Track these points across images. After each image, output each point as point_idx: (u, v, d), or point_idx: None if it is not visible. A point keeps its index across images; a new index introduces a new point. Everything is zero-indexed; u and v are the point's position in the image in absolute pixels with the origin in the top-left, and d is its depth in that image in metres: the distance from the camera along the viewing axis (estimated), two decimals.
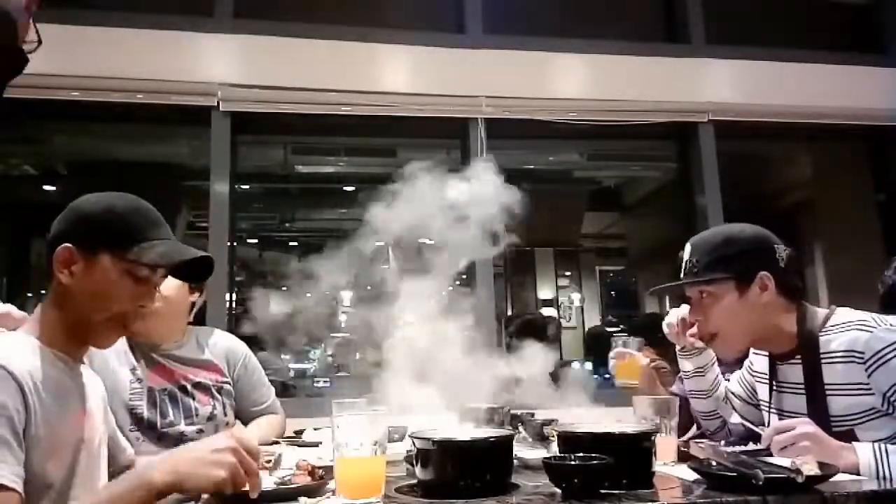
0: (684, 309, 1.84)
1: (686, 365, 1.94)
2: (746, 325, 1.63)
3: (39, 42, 0.97)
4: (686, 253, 1.70)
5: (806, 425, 1.43)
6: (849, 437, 1.47)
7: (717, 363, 1.93)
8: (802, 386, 1.61)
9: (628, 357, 2.33)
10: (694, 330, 1.79)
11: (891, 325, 1.53)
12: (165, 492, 1.08)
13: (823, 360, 1.56)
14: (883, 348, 1.48)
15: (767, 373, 1.75)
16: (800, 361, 1.62)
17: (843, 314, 1.61)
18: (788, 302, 1.64)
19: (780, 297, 1.62)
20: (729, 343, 1.70)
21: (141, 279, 1.31)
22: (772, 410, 1.73)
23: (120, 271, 1.28)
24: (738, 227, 1.68)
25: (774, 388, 1.72)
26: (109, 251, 1.28)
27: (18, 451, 1.10)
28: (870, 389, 1.49)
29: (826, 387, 1.55)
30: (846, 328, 1.56)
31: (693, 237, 1.72)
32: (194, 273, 1.38)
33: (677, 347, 1.96)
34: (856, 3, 4.97)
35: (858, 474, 1.34)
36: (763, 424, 1.77)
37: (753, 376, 1.86)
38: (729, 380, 1.98)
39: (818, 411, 1.54)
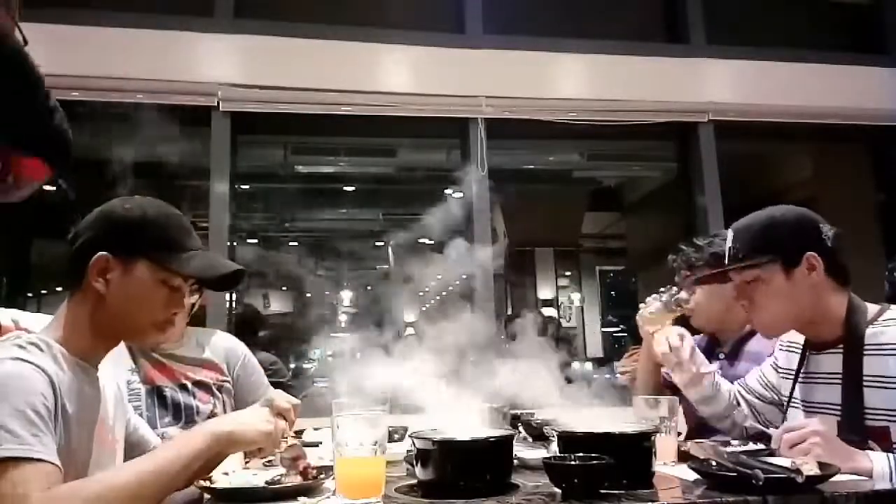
0: (679, 330, 1.83)
1: (691, 394, 1.91)
2: (794, 306, 1.58)
3: (25, 43, 0.94)
4: (728, 239, 1.67)
5: (818, 425, 1.41)
6: (882, 432, 1.44)
7: (715, 374, 1.90)
8: (834, 376, 1.58)
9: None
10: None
11: None
12: (222, 440, 1.25)
13: (869, 352, 1.52)
14: None
15: (794, 366, 1.72)
16: (839, 351, 1.58)
17: None
18: (837, 284, 1.59)
19: (828, 278, 1.57)
20: (775, 325, 1.66)
21: (174, 287, 1.31)
22: (792, 403, 1.70)
23: (156, 280, 1.28)
24: (780, 210, 1.64)
25: (801, 380, 1.69)
26: (148, 260, 1.28)
27: (53, 437, 1.12)
28: None
29: (866, 378, 1.51)
30: None
31: (735, 223, 1.68)
32: (223, 283, 1.38)
33: (675, 378, 1.91)
34: (856, 3, 4.97)
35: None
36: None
37: (779, 373, 1.82)
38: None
39: (853, 401, 1.50)
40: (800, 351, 1.72)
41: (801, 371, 1.70)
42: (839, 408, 1.54)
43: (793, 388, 1.71)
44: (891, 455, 1.36)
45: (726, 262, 1.67)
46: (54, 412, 1.15)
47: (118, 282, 1.26)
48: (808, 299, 1.57)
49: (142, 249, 1.27)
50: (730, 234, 1.68)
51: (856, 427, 1.45)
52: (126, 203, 1.32)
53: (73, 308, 1.29)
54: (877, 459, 1.35)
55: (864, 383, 1.51)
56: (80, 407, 1.24)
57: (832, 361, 1.60)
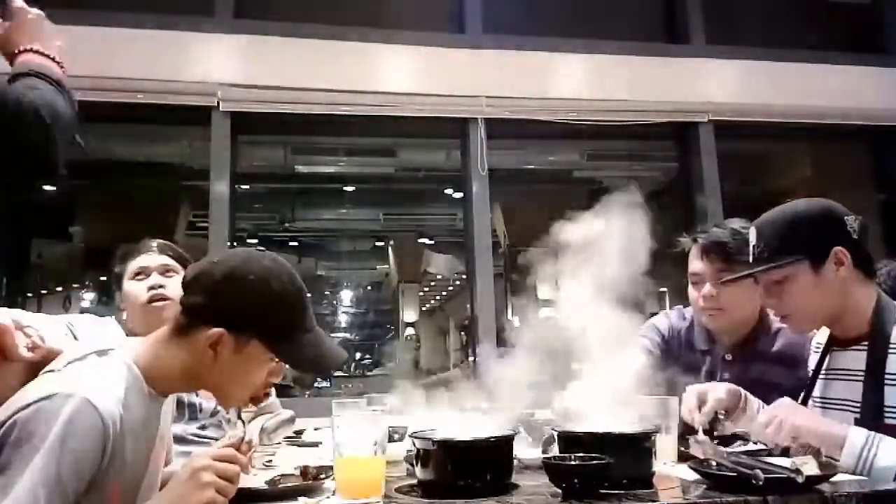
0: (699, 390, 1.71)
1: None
2: (823, 303, 1.57)
3: None
4: (752, 238, 1.64)
5: (785, 405, 1.48)
6: None
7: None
8: (856, 373, 1.57)
9: None
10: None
11: None
12: None
13: (894, 350, 1.51)
14: None
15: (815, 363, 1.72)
16: (863, 348, 1.57)
17: None
18: (865, 276, 1.58)
19: (856, 271, 1.56)
20: (805, 322, 1.66)
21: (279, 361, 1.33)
22: (811, 401, 1.69)
23: (266, 359, 1.26)
24: (803, 204, 1.61)
25: (821, 376, 1.68)
26: (261, 340, 1.23)
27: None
28: None
29: (888, 376, 1.50)
30: None
31: (757, 220, 1.65)
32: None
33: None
34: (856, 3, 4.97)
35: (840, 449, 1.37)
36: None
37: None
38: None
39: (874, 399, 1.50)
40: (820, 350, 1.71)
41: (822, 367, 1.69)
42: (857, 404, 1.54)
43: (811, 386, 1.70)
44: (876, 434, 1.37)
45: (751, 261, 1.64)
46: (98, 465, 1.07)
47: (228, 357, 1.21)
48: (837, 294, 1.56)
49: (258, 332, 1.23)
50: (752, 232, 1.64)
51: (875, 424, 1.45)
52: (252, 272, 1.22)
53: (170, 349, 1.22)
54: (855, 431, 1.38)
55: (887, 381, 1.49)
56: (139, 433, 1.19)
57: (855, 358, 1.59)
